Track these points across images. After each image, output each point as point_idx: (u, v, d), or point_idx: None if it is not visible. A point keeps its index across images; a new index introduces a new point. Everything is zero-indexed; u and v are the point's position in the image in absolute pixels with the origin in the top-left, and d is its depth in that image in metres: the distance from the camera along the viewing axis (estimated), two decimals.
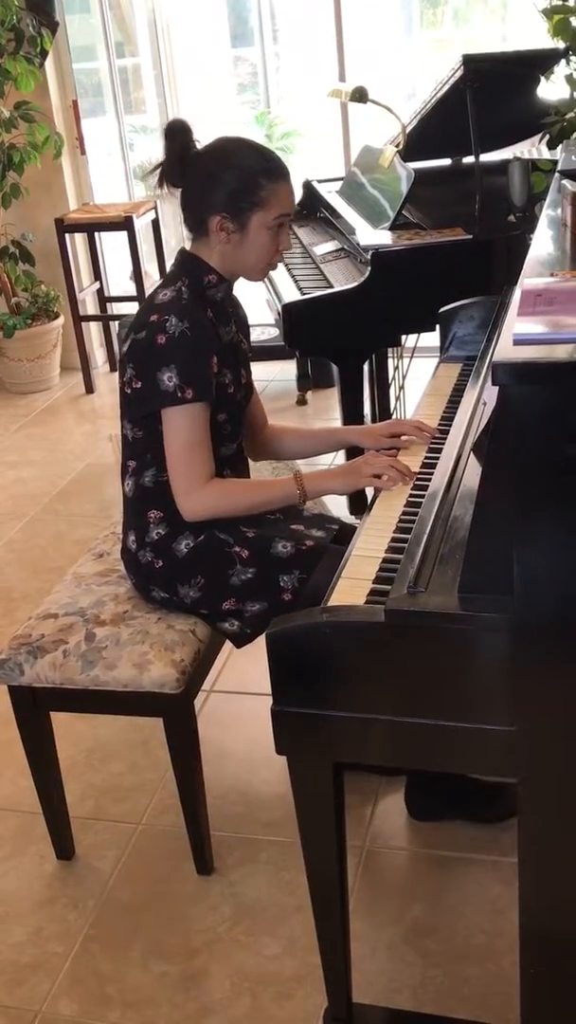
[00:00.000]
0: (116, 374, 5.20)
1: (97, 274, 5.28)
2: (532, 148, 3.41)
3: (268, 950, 1.99)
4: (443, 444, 1.98)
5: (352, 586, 1.57)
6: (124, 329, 3.67)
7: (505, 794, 2.17)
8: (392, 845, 2.20)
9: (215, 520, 1.99)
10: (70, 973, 1.99)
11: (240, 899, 2.11)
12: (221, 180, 1.93)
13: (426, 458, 1.98)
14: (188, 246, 2.04)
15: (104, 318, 5.32)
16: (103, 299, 5.34)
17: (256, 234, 1.96)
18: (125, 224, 4.77)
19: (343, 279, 3.05)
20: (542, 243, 1.76)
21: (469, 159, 3.10)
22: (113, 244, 5.28)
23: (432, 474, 1.85)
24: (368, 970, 1.90)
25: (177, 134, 1.97)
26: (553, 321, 1.35)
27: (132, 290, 4.98)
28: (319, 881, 1.67)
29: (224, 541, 2.00)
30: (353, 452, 2.80)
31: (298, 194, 3.92)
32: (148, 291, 4.84)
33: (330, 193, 3.64)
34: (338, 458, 3.85)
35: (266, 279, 3.25)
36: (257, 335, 5.02)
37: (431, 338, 2.72)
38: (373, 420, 3.65)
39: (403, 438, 2.10)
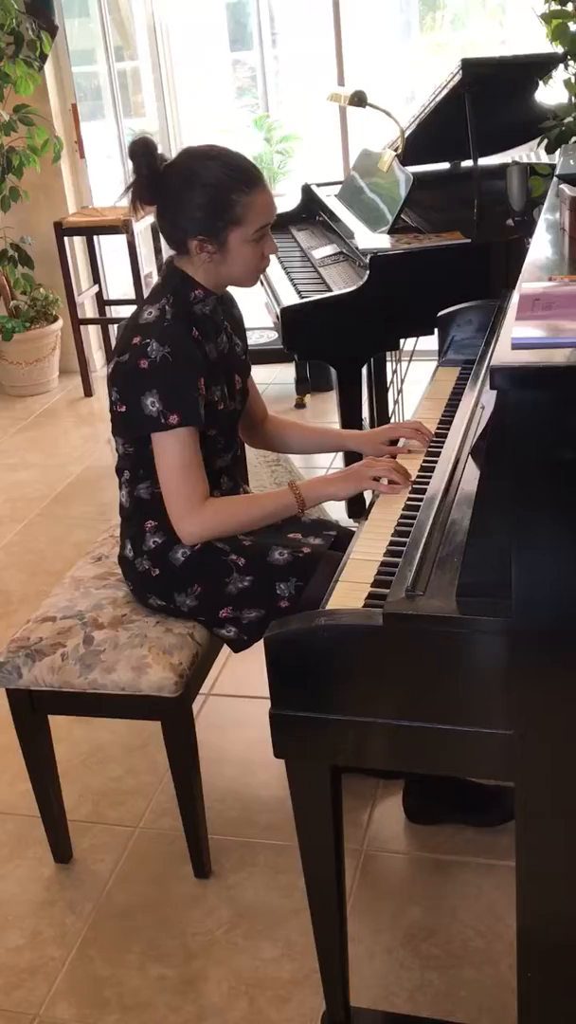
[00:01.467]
0: None
1: (96, 277, 5.29)
2: (530, 152, 3.42)
3: (266, 953, 1.99)
4: (441, 448, 1.98)
5: (350, 589, 1.57)
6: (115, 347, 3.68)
7: (502, 797, 2.17)
8: (390, 848, 2.20)
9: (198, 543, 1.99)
10: (68, 976, 1.99)
11: (238, 902, 2.10)
12: (191, 201, 1.88)
13: (424, 462, 1.98)
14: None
15: (103, 321, 5.33)
16: (102, 302, 5.35)
17: (238, 249, 1.92)
18: (124, 228, 4.76)
19: (342, 283, 3.05)
20: (540, 247, 1.76)
21: (468, 163, 3.11)
22: (112, 247, 5.29)
23: (430, 478, 1.85)
24: (366, 974, 1.90)
25: (141, 154, 1.92)
26: (551, 325, 1.35)
27: (131, 293, 4.99)
28: (317, 884, 1.67)
29: (221, 549, 2.00)
30: (351, 456, 2.80)
31: (297, 198, 3.93)
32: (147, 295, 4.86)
33: (329, 197, 3.64)
34: (336, 460, 3.86)
35: (264, 283, 3.28)
36: (256, 338, 5.03)
37: (429, 342, 2.72)
38: (371, 424, 3.65)
39: (401, 443, 2.10)
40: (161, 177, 1.93)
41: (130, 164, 1.95)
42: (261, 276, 2.07)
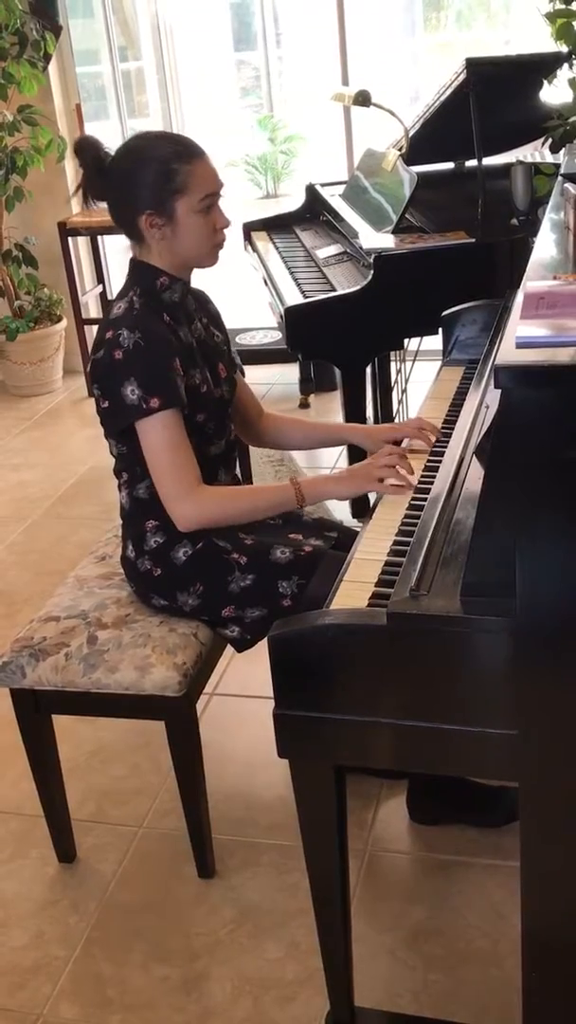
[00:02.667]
0: None
1: (100, 277, 5.29)
2: (535, 152, 3.41)
3: (270, 953, 1.99)
4: (445, 447, 1.97)
5: (354, 589, 1.57)
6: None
7: (506, 798, 2.17)
8: (394, 849, 2.20)
9: (194, 530, 1.98)
10: (71, 976, 1.99)
11: (242, 902, 2.10)
12: (137, 179, 1.92)
13: (428, 461, 1.98)
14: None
15: None
16: (106, 302, 5.34)
17: (187, 221, 1.93)
18: None
19: (346, 282, 3.05)
20: (545, 246, 1.76)
21: (472, 163, 3.10)
22: (115, 247, 5.28)
23: (434, 477, 1.85)
24: (370, 974, 1.90)
25: (87, 149, 1.97)
26: (556, 324, 1.35)
27: None
28: (321, 884, 1.66)
29: (222, 548, 1.99)
30: (354, 453, 2.80)
31: (301, 198, 3.93)
32: None
33: (333, 197, 3.64)
34: (341, 459, 3.86)
35: (268, 282, 3.28)
36: (260, 338, 5.04)
37: (434, 341, 2.72)
38: (375, 423, 3.65)
39: (405, 444, 2.09)
40: (108, 170, 1.97)
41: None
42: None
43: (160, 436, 1.91)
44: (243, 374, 2.24)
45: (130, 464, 2.01)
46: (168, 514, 1.97)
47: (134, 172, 1.93)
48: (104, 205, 2.02)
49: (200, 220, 1.94)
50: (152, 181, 1.90)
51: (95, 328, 5.56)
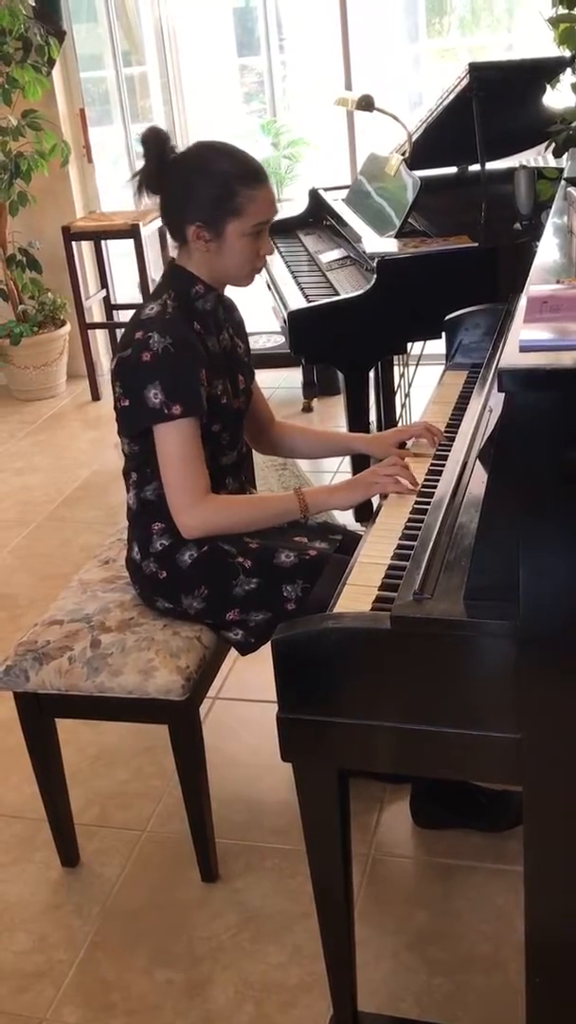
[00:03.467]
0: None
1: (104, 282, 5.30)
2: (538, 156, 3.42)
3: (273, 958, 1.98)
4: (449, 451, 1.97)
5: (358, 593, 1.57)
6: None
7: (510, 802, 2.17)
8: (397, 853, 2.20)
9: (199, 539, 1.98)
10: (74, 980, 1.98)
11: (245, 907, 2.10)
12: (196, 188, 1.91)
13: (432, 465, 1.98)
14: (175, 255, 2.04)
15: (110, 326, 5.34)
16: (109, 307, 5.36)
17: (234, 242, 1.93)
18: (132, 232, 4.78)
19: (349, 287, 3.05)
20: (548, 250, 1.76)
21: (475, 167, 3.11)
22: (119, 252, 5.30)
23: (438, 481, 1.85)
24: (373, 978, 1.90)
25: (154, 142, 1.95)
26: (559, 328, 1.35)
27: (139, 298, 4.99)
28: (324, 889, 1.66)
29: (227, 552, 2.00)
30: (358, 461, 2.80)
31: (304, 202, 3.94)
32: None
33: (336, 201, 3.65)
34: (344, 464, 3.86)
35: (272, 287, 3.28)
36: (263, 342, 5.05)
37: (437, 345, 2.72)
38: (378, 428, 3.65)
39: (410, 443, 2.10)
40: (170, 166, 1.95)
41: (140, 164, 1.97)
42: (266, 280, 2.08)
43: (176, 444, 1.91)
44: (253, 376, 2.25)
45: (140, 465, 2.02)
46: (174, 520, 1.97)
47: (194, 180, 1.91)
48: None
49: (246, 244, 1.94)
50: (210, 195, 1.90)
51: (99, 332, 5.61)
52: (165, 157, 1.95)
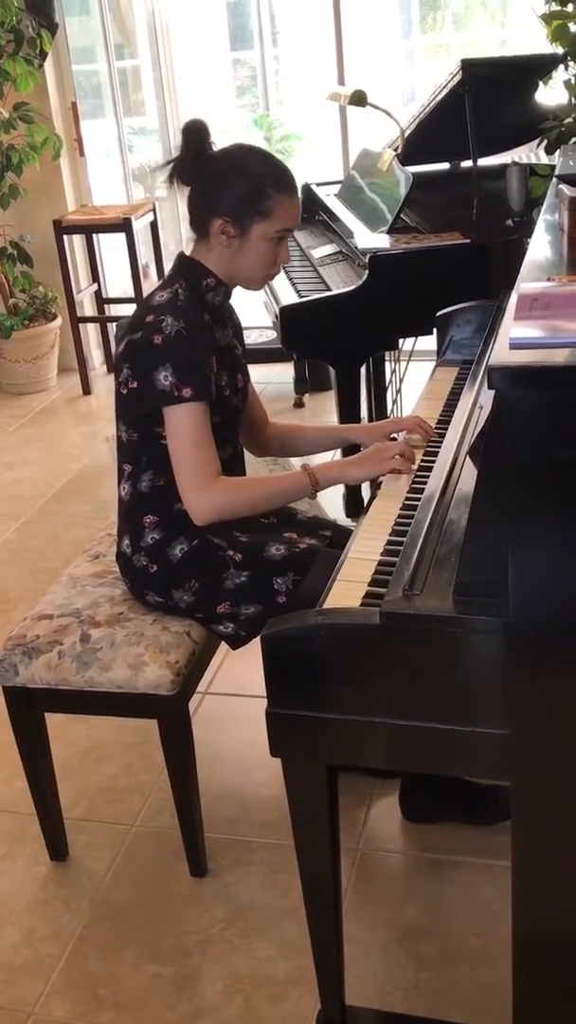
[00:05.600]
0: (113, 376, 5.22)
1: (95, 275, 5.29)
2: (530, 153, 3.42)
3: (261, 952, 1.99)
4: (439, 447, 1.98)
5: (348, 588, 1.57)
6: (122, 331, 3.68)
7: (499, 797, 2.17)
8: (386, 848, 2.20)
9: (209, 524, 1.99)
10: (63, 974, 1.99)
11: (234, 901, 2.11)
12: (230, 184, 1.94)
13: (422, 461, 1.98)
14: (188, 250, 2.05)
15: (102, 319, 5.33)
16: (101, 300, 5.35)
17: (256, 243, 1.96)
18: (123, 226, 4.77)
19: (341, 282, 3.05)
20: (539, 247, 1.76)
21: (467, 163, 3.11)
22: (111, 246, 5.29)
23: (428, 477, 1.85)
24: (361, 972, 1.90)
25: (195, 132, 1.97)
26: (549, 325, 1.35)
27: (130, 292, 4.98)
28: (313, 883, 1.67)
29: (217, 545, 2.00)
30: (350, 451, 2.81)
31: None
32: (145, 294, 4.86)
33: (328, 196, 3.64)
34: (335, 456, 3.85)
35: None
36: (255, 338, 5.03)
37: (428, 342, 2.72)
38: (370, 422, 3.65)
39: (402, 436, 2.10)
40: (207, 160, 1.97)
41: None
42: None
43: (187, 426, 1.92)
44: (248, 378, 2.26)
45: (136, 454, 2.02)
46: (175, 507, 1.98)
47: (228, 176, 1.94)
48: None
49: (267, 248, 1.97)
50: (242, 193, 1.93)
51: (90, 326, 5.59)
52: (204, 150, 1.98)
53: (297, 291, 3.09)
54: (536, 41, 3.19)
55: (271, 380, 4.86)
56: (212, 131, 1.99)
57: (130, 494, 2.06)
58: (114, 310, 5.40)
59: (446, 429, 2.06)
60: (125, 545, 2.08)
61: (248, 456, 2.31)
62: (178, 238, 6.15)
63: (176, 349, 1.90)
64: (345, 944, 1.76)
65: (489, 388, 1.27)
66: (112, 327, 5.15)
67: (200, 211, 1.98)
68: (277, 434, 2.30)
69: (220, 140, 2.02)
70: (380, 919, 2.02)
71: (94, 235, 5.17)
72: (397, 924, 2.01)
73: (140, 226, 4.90)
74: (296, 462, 3.52)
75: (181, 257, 2.05)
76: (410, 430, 2.10)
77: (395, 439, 2.12)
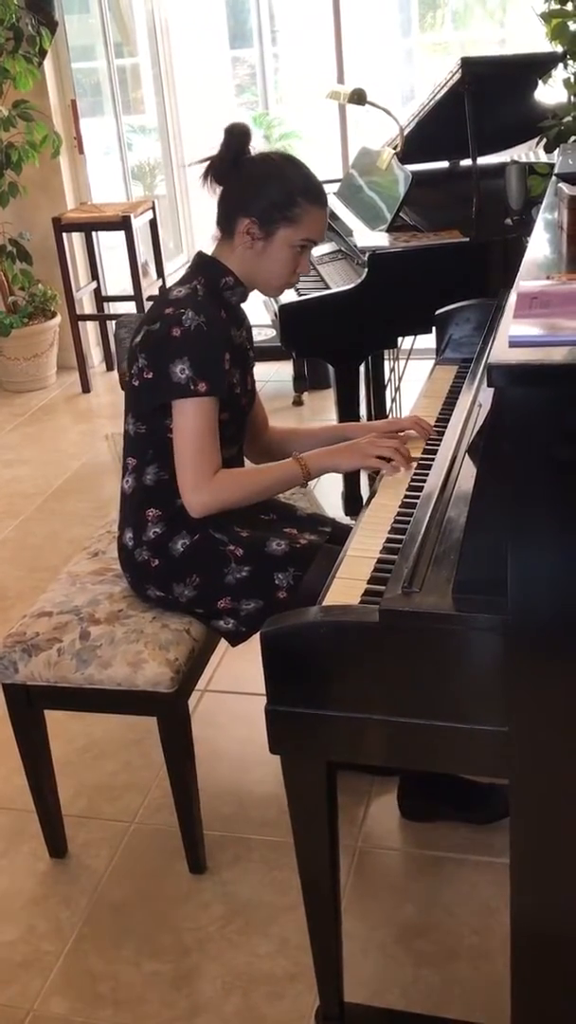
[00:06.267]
0: (113, 373, 5.22)
1: (94, 273, 5.29)
2: (529, 151, 3.42)
3: (260, 949, 1.99)
4: (438, 445, 1.98)
5: (347, 586, 1.58)
6: (122, 329, 3.67)
7: (497, 795, 2.18)
8: (385, 845, 2.21)
9: (211, 519, 1.99)
10: (62, 971, 1.99)
11: (232, 898, 2.11)
12: (263, 187, 1.97)
13: (421, 459, 1.99)
14: (209, 250, 2.07)
15: (101, 317, 5.33)
16: (100, 298, 5.34)
17: (279, 248, 1.99)
18: (123, 224, 4.77)
19: (340, 280, 3.05)
20: (538, 246, 1.77)
21: (467, 162, 3.11)
22: (110, 244, 5.29)
23: (427, 475, 1.86)
24: (360, 970, 1.90)
25: (238, 134, 2.00)
26: (549, 323, 1.35)
27: (129, 290, 4.98)
28: (311, 881, 1.67)
29: (219, 540, 2.00)
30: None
31: None
32: (145, 292, 4.87)
33: (328, 194, 3.64)
34: None
35: None
36: (254, 336, 5.03)
37: (427, 340, 2.72)
38: (369, 421, 3.65)
39: (401, 434, 2.10)
40: (243, 163, 2.00)
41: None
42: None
43: (196, 421, 1.93)
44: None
45: (144, 447, 2.02)
46: (178, 502, 1.98)
47: (263, 180, 1.97)
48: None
49: (289, 255, 2.00)
50: (273, 197, 1.96)
51: (89, 324, 5.60)
52: (244, 152, 2.00)
53: (296, 289, 3.09)
54: (535, 40, 3.19)
55: (270, 378, 4.86)
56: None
57: (134, 487, 2.07)
58: (113, 308, 5.39)
59: (445, 427, 2.06)
60: (127, 538, 2.08)
61: (247, 460, 2.31)
62: (177, 237, 6.15)
63: (195, 343, 1.91)
64: (344, 941, 1.76)
65: (489, 386, 1.27)
66: (111, 325, 5.15)
67: (230, 210, 2.00)
68: (277, 438, 2.30)
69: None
70: (379, 916, 2.03)
71: (93, 233, 5.16)
72: (396, 921, 2.01)
73: (139, 224, 4.90)
74: None
75: (201, 255, 2.07)
76: (407, 429, 2.10)
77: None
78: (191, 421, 1.93)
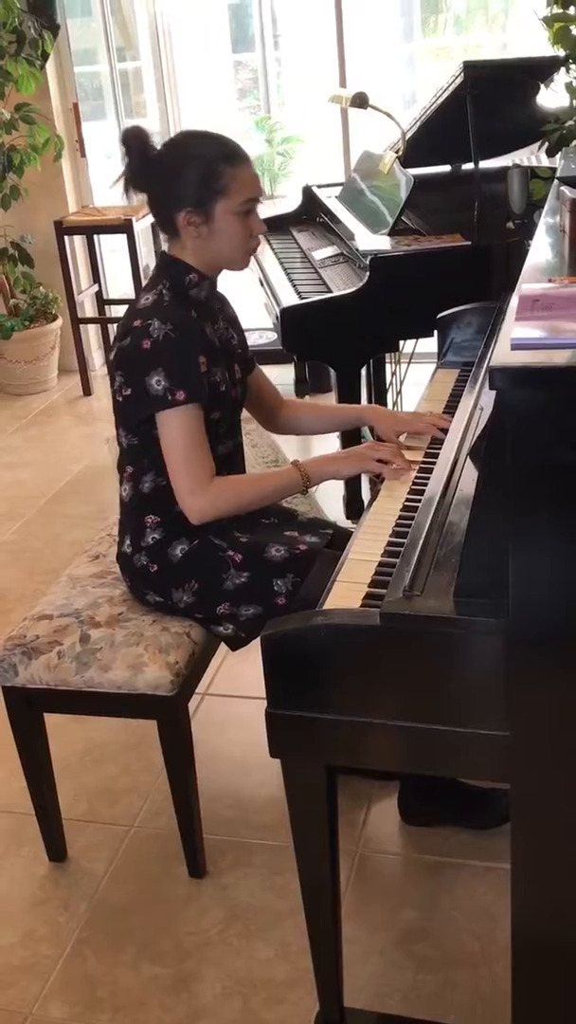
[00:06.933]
0: (108, 382, 5.22)
1: (96, 276, 5.29)
2: (531, 155, 3.42)
3: (260, 954, 1.98)
4: (440, 449, 1.98)
5: (348, 589, 1.57)
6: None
7: (497, 800, 2.17)
8: (385, 850, 2.20)
9: (210, 524, 1.99)
10: (61, 975, 1.98)
11: (232, 902, 2.10)
12: (181, 174, 1.92)
13: (423, 463, 1.98)
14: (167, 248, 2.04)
15: (102, 320, 5.33)
16: (101, 301, 5.35)
17: (224, 223, 1.94)
18: (124, 227, 4.77)
19: (342, 284, 3.05)
20: (540, 249, 1.76)
21: (468, 166, 3.11)
22: (112, 247, 5.29)
23: (428, 479, 1.85)
24: (360, 975, 1.90)
25: (135, 141, 1.96)
26: (551, 326, 1.35)
27: (131, 293, 4.98)
28: (311, 885, 1.66)
29: (218, 546, 2.00)
30: (348, 443, 2.82)
31: (297, 199, 3.93)
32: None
33: (330, 198, 3.64)
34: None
35: (264, 283, 3.27)
36: (256, 339, 5.03)
37: (429, 344, 2.72)
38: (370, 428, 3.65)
39: (402, 437, 2.10)
40: (153, 162, 1.96)
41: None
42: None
43: (181, 430, 1.92)
44: (256, 367, 2.26)
45: (138, 457, 2.02)
46: (177, 508, 1.97)
47: (178, 168, 1.93)
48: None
49: (237, 223, 1.95)
50: (195, 179, 1.91)
51: (91, 327, 5.59)
52: (148, 154, 1.96)
53: (298, 292, 3.09)
54: (538, 44, 3.19)
55: (272, 381, 4.85)
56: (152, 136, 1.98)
57: (131, 495, 2.06)
58: (115, 311, 5.39)
59: (446, 431, 2.06)
60: (126, 545, 2.08)
61: (248, 458, 2.32)
62: None
63: (166, 352, 1.89)
64: (344, 946, 1.75)
65: (490, 388, 1.26)
66: (112, 328, 5.15)
67: (162, 210, 1.97)
68: (295, 412, 2.32)
69: None
70: (379, 921, 2.02)
71: (95, 236, 5.17)
72: (396, 926, 2.01)
73: (141, 227, 4.90)
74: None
75: (162, 256, 2.03)
76: (422, 432, 2.09)
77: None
78: (176, 431, 1.92)
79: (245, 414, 2.23)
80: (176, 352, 1.90)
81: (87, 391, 5.08)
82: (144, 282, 4.94)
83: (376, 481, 2.01)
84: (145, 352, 1.89)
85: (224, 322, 2.11)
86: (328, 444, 4.12)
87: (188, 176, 1.91)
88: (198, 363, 1.93)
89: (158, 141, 1.99)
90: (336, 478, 2.10)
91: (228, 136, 1.99)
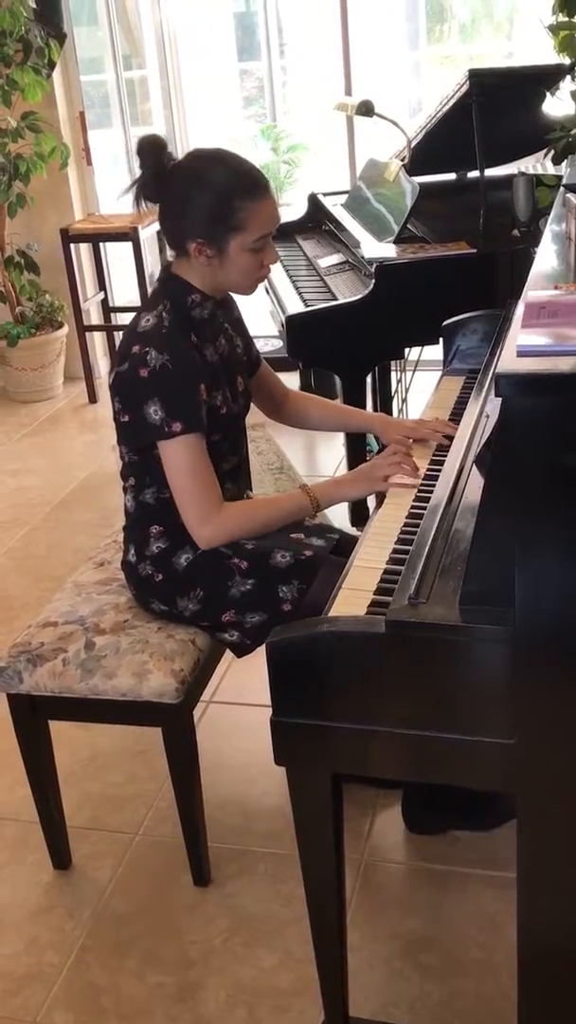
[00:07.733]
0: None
1: (102, 284, 5.29)
2: (537, 163, 3.42)
3: (264, 962, 1.98)
4: (445, 456, 1.97)
5: (353, 596, 1.57)
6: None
7: (498, 800, 2.16)
8: (390, 858, 2.19)
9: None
10: (65, 983, 1.98)
11: (237, 911, 2.10)
12: (196, 203, 1.87)
13: (428, 470, 1.98)
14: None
15: (108, 328, 5.34)
16: (107, 309, 5.36)
17: (236, 257, 1.90)
18: (130, 235, 4.78)
19: (347, 292, 3.05)
20: (546, 257, 1.76)
21: (474, 173, 3.11)
22: (118, 254, 5.30)
23: (434, 486, 1.85)
24: (365, 984, 1.89)
25: (150, 150, 1.91)
26: (557, 333, 1.35)
27: (137, 300, 4.99)
28: (317, 894, 1.66)
29: (223, 553, 2.00)
30: (354, 462, 2.81)
31: (303, 207, 3.94)
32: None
33: (335, 206, 3.65)
34: (341, 467, 3.86)
35: (270, 291, 3.28)
36: (261, 346, 5.02)
37: (434, 351, 2.72)
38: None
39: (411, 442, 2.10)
40: (168, 176, 1.91)
41: (138, 163, 1.95)
42: (264, 285, 2.09)
43: (182, 460, 1.90)
44: (261, 362, 2.25)
45: (139, 471, 2.02)
46: (176, 518, 1.97)
47: (192, 194, 1.87)
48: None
49: (250, 257, 1.91)
50: (209, 212, 1.86)
51: (96, 335, 5.60)
52: (162, 166, 1.91)
53: (303, 300, 3.09)
54: (543, 52, 3.19)
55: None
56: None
57: (135, 506, 2.06)
58: (120, 319, 5.40)
59: (452, 438, 2.05)
60: (131, 554, 2.08)
61: (254, 465, 2.32)
62: None
63: (162, 383, 1.87)
64: (349, 955, 1.74)
65: (496, 395, 1.26)
66: (118, 336, 5.16)
67: (173, 232, 1.93)
68: (301, 405, 2.32)
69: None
70: (384, 930, 2.01)
71: (101, 244, 5.17)
72: (401, 935, 2.00)
73: (147, 235, 4.91)
74: (297, 464, 3.52)
75: (166, 272, 1.99)
76: (429, 439, 2.08)
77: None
78: (179, 462, 1.90)
79: (249, 420, 2.22)
80: (172, 383, 1.87)
81: (92, 398, 5.09)
82: (151, 290, 4.93)
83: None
84: (142, 380, 1.88)
85: (229, 331, 2.09)
86: (330, 444, 4.13)
87: (201, 205, 1.86)
88: (197, 392, 1.90)
89: (176, 151, 1.96)
90: (345, 500, 2.09)
91: (246, 160, 1.93)
